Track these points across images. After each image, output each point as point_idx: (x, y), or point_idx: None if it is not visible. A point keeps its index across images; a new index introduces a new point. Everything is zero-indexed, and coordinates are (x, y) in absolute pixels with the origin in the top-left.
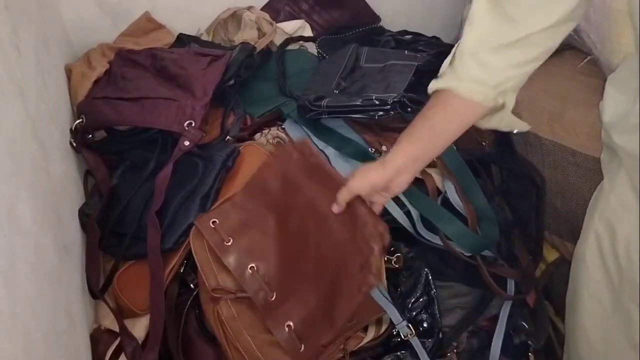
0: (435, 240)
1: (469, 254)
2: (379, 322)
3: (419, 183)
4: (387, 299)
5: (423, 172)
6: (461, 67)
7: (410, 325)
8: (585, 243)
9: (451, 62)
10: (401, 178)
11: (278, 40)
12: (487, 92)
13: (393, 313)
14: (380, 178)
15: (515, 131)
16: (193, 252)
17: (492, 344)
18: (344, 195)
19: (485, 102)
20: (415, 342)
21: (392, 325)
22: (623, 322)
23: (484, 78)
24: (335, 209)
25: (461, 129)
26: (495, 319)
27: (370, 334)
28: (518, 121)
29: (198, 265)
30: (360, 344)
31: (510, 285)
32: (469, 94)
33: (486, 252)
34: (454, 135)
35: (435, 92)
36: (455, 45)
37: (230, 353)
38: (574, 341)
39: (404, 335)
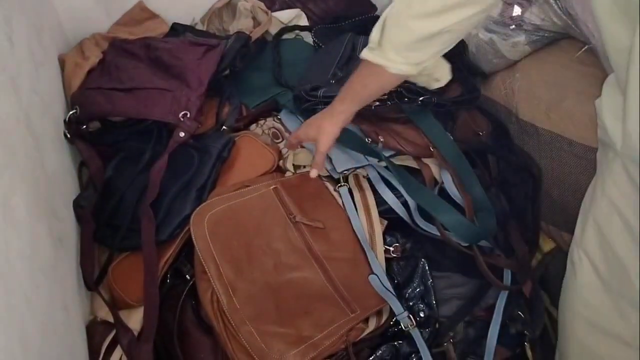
0: (432, 230)
1: (466, 244)
2: (379, 313)
3: (415, 173)
4: (389, 290)
5: (420, 162)
6: (388, 51)
7: (411, 316)
8: (576, 245)
9: (380, 39)
10: None
11: (273, 29)
12: (412, 68)
13: (395, 304)
14: (338, 131)
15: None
16: (194, 239)
17: (489, 333)
18: (322, 158)
19: (411, 74)
20: (416, 333)
21: (391, 315)
22: (612, 320)
23: (409, 59)
24: (315, 173)
25: (392, 88)
26: (491, 309)
27: (372, 325)
28: (436, 81)
29: (199, 253)
30: (362, 335)
31: (507, 275)
32: (397, 71)
33: (483, 243)
34: (385, 92)
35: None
36: (384, 14)
37: (230, 344)
38: (564, 338)
39: (404, 326)
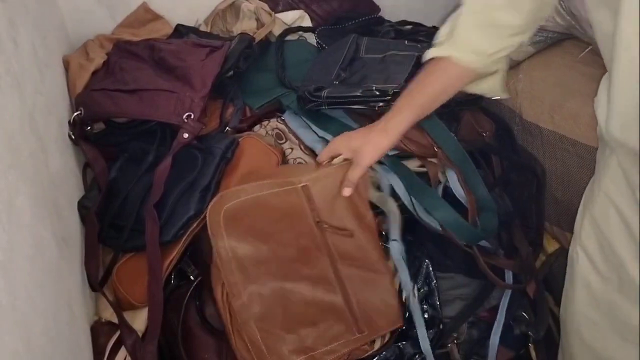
0: (434, 223)
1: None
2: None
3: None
4: (404, 259)
5: (426, 160)
6: (461, 37)
7: (415, 292)
8: (575, 241)
9: (450, 31)
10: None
11: (277, 30)
12: (485, 60)
13: (404, 275)
14: (388, 146)
15: (496, 97)
16: (210, 232)
17: (492, 334)
18: (360, 174)
19: (481, 70)
20: (415, 307)
21: (393, 335)
22: (612, 316)
23: (483, 48)
24: (348, 191)
25: (453, 93)
26: (495, 309)
27: (376, 346)
28: (503, 87)
29: (214, 248)
30: (364, 356)
31: (508, 276)
32: (467, 63)
33: (484, 243)
34: (445, 100)
35: (432, 59)
36: (454, 13)
37: (233, 337)
38: (566, 337)
39: (408, 301)
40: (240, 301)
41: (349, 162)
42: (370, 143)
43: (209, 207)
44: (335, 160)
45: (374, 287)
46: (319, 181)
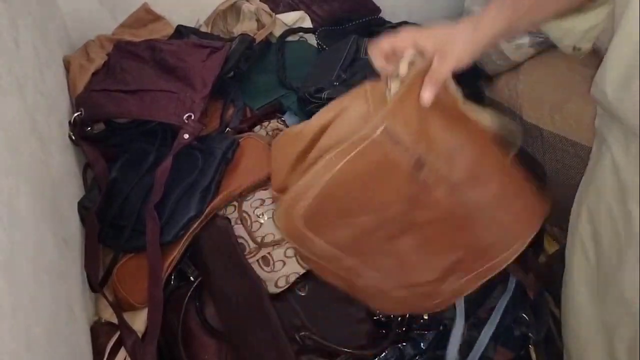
0: None
1: None
2: None
3: None
4: None
5: None
6: None
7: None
8: (572, 235)
9: None
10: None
11: (277, 31)
12: None
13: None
14: (477, 46)
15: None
16: (289, 239)
17: (482, 332)
18: (447, 73)
19: None
20: None
21: None
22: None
23: None
24: (429, 97)
25: (557, 9)
26: None
27: None
28: (601, 27)
29: (303, 249)
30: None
31: (511, 277)
32: None
33: None
34: (543, 16)
35: None
36: None
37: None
38: (565, 336)
39: None
40: (363, 280)
41: (423, 71)
42: (461, 34)
43: (282, 224)
44: (402, 64)
45: (505, 195)
46: (398, 112)
